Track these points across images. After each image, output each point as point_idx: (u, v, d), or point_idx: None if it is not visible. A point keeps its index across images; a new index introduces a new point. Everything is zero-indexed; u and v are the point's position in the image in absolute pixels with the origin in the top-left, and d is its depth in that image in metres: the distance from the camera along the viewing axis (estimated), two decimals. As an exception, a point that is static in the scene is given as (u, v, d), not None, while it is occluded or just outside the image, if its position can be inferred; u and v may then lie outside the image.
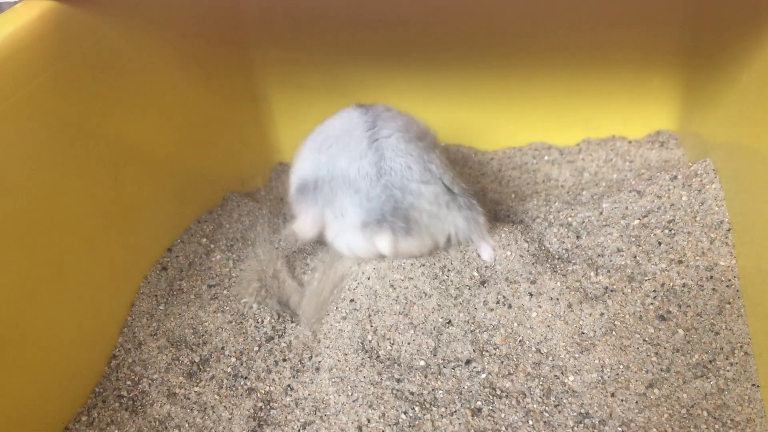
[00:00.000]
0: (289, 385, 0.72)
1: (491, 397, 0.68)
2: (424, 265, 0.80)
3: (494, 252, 0.82)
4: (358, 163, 0.78)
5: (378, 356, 0.73)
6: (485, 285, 0.79)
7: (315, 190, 0.80)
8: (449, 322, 0.76)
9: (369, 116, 0.83)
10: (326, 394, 0.70)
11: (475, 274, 0.80)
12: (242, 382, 0.72)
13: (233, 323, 0.79)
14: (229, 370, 0.74)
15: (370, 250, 0.78)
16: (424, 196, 0.77)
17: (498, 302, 0.77)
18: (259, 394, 0.71)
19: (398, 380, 0.70)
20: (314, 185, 0.80)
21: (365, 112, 0.84)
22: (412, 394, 0.69)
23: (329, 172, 0.79)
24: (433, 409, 0.67)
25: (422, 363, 0.72)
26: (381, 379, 0.70)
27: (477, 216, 0.81)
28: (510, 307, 0.77)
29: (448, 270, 0.80)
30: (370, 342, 0.74)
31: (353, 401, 0.68)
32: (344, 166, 0.78)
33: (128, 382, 0.73)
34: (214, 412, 0.70)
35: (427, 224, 0.78)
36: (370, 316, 0.76)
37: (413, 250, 0.79)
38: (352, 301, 0.78)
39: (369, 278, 0.79)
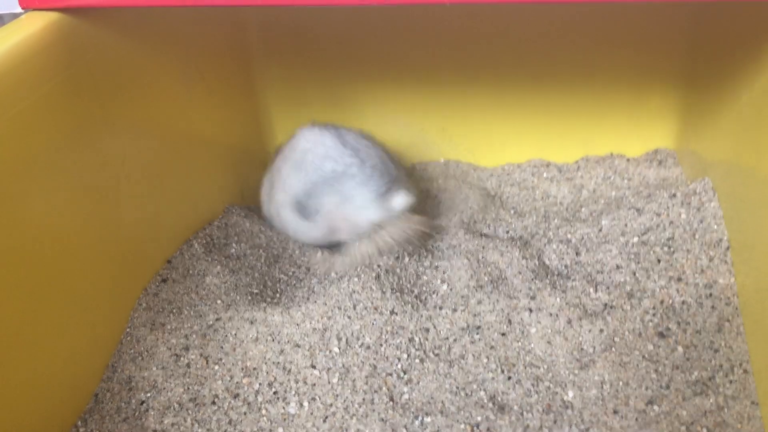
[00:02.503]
0: (286, 411, 0.71)
1: (491, 413, 0.67)
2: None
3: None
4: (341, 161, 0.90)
5: (374, 366, 0.73)
6: (485, 302, 0.79)
7: (310, 204, 0.91)
8: (447, 339, 0.76)
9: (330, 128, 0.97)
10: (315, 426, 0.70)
11: (475, 290, 0.80)
12: (243, 395, 0.72)
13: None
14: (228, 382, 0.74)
15: (384, 215, 0.89)
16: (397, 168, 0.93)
17: (497, 318, 0.77)
18: (262, 412, 0.71)
19: (395, 393, 0.70)
20: (306, 200, 0.91)
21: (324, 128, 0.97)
22: (410, 406, 0.69)
23: (320, 179, 0.90)
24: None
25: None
26: (380, 388, 0.70)
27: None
28: (510, 322, 0.77)
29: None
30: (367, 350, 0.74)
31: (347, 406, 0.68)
32: (330, 168, 0.90)
33: (126, 394, 0.73)
34: (213, 424, 0.69)
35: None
36: (362, 328, 0.76)
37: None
38: (339, 338, 0.78)
39: (355, 307, 0.80)
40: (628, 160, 1.08)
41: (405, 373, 0.72)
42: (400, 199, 0.89)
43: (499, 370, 0.72)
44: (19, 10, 0.73)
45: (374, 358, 0.74)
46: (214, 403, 0.71)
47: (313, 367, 0.73)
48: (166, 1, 0.72)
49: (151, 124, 0.87)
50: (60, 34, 0.71)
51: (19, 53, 0.66)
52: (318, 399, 0.70)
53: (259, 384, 0.73)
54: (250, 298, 0.85)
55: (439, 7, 1.04)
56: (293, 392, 0.72)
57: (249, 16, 1.10)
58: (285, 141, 1.17)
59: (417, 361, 0.74)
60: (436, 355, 0.74)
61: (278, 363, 0.74)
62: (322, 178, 0.90)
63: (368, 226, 0.89)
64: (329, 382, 0.72)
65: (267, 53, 1.13)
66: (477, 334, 0.76)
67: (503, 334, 0.76)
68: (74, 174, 0.72)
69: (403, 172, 0.96)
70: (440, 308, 0.79)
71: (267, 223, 1.01)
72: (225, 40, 1.06)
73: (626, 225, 0.87)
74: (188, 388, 0.73)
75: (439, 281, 0.82)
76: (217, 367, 0.75)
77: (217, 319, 0.80)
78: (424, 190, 1.10)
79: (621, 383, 0.69)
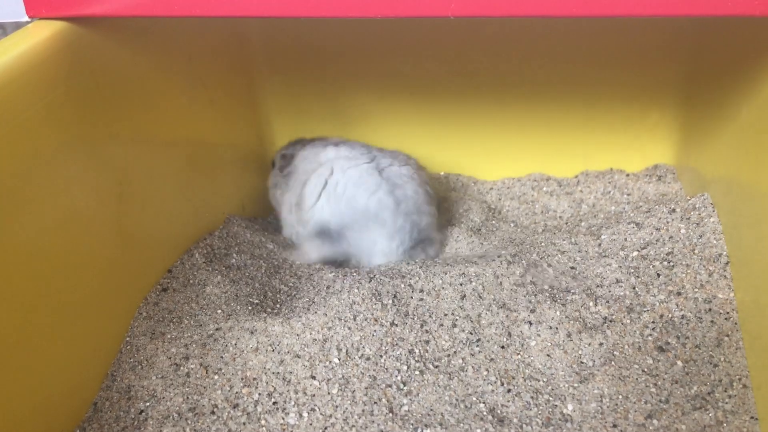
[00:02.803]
0: (285, 422, 0.71)
1: (490, 426, 0.67)
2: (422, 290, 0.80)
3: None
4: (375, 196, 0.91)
5: (374, 377, 0.73)
6: (484, 314, 0.79)
7: (338, 236, 0.92)
8: (446, 351, 0.76)
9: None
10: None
11: (475, 302, 0.80)
12: (242, 405, 0.72)
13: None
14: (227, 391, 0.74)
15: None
16: (429, 214, 0.94)
17: (497, 331, 0.77)
18: (261, 423, 0.71)
19: (395, 405, 0.70)
20: (337, 233, 0.92)
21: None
22: (410, 418, 0.68)
23: (350, 210, 0.92)
24: (432, 436, 0.67)
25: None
26: (380, 400, 0.70)
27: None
28: (509, 335, 0.77)
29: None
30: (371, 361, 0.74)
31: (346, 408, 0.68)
32: (362, 204, 0.91)
33: (125, 403, 0.73)
34: (211, 434, 0.69)
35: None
36: (363, 339, 0.76)
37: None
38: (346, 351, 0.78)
39: (357, 316, 0.80)
40: (627, 175, 1.08)
41: (405, 384, 0.72)
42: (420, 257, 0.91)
43: (499, 382, 0.72)
44: (26, 18, 0.74)
45: (374, 370, 0.74)
46: (213, 413, 0.71)
47: (313, 377, 0.73)
48: (170, 11, 0.72)
49: (154, 133, 0.87)
50: (66, 43, 0.72)
51: (25, 61, 0.66)
52: (317, 410, 0.70)
53: (259, 394, 0.73)
54: (250, 308, 0.85)
55: (440, 21, 1.05)
56: (293, 403, 0.71)
57: (252, 28, 1.11)
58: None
59: (417, 372, 0.74)
60: (436, 367, 0.74)
61: (278, 373, 0.74)
62: (352, 210, 0.91)
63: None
64: (329, 393, 0.72)
65: (269, 64, 1.14)
66: (477, 346, 0.76)
67: (503, 347, 0.76)
68: (76, 182, 0.73)
69: (434, 209, 0.96)
70: (440, 320, 0.79)
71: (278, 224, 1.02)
72: (228, 51, 1.07)
73: (626, 239, 0.87)
74: (188, 398, 0.73)
75: (439, 293, 0.82)
76: (216, 377, 0.75)
77: (217, 329, 0.80)
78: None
79: (620, 397, 0.69)
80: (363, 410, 0.70)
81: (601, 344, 0.74)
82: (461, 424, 0.68)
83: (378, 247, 0.91)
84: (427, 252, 0.93)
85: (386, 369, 0.74)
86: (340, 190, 0.92)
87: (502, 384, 0.72)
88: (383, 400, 0.71)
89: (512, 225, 1.03)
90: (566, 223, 1.02)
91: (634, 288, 0.80)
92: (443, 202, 1.09)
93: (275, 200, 1.07)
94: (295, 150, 1.04)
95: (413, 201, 0.92)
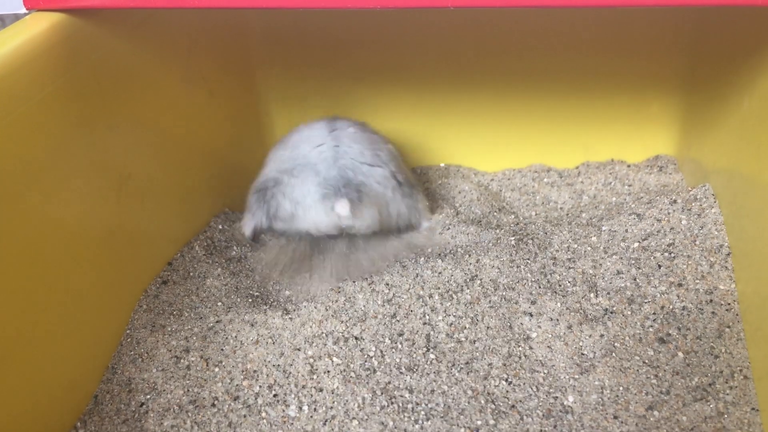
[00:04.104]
0: (286, 414, 0.71)
1: (490, 417, 0.67)
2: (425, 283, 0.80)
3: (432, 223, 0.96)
4: (317, 149, 0.91)
5: (374, 370, 0.73)
6: (485, 306, 0.79)
7: (273, 187, 0.91)
8: (447, 344, 0.76)
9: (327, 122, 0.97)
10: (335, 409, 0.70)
11: (475, 293, 0.80)
12: (243, 398, 0.72)
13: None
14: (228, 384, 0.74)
15: (331, 221, 0.89)
16: (373, 177, 0.91)
17: (497, 323, 0.77)
18: (262, 415, 0.71)
19: (396, 397, 0.70)
20: (274, 182, 0.91)
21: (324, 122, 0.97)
22: (410, 409, 0.69)
23: (292, 162, 0.91)
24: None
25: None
26: (380, 392, 0.70)
27: (416, 203, 0.96)
28: (510, 327, 0.77)
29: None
30: (370, 356, 0.74)
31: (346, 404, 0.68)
32: (305, 152, 0.91)
33: (126, 395, 0.73)
34: (213, 426, 0.69)
35: (376, 198, 0.90)
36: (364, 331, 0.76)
37: (366, 218, 0.90)
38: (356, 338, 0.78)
39: (367, 303, 0.80)
40: (628, 166, 1.08)
41: (405, 376, 0.72)
42: (341, 208, 0.88)
43: (500, 374, 0.72)
44: (23, 10, 0.73)
45: (374, 361, 0.74)
46: (213, 405, 0.71)
47: (314, 369, 0.73)
48: (169, 2, 0.72)
49: (153, 126, 0.87)
50: (64, 35, 0.71)
51: (23, 54, 0.66)
52: (318, 402, 0.70)
53: (259, 387, 0.73)
54: (250, 300, 0.85)
55: (440, 11, 1.05)
56: (293, 395, 0.71)
57: (251, 20, 1.10)
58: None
59: (417, 364, 0.74)
60: (437, 358, 0.74)
61: (278, 366, 0.74)
62: (293, 158, 0.92)
63: (315, 230, 0.90)
64: (329, 385, 0.72)
65: (269, 57, 1.13)
66: (477, 338, 0.76)
67: (504, 339, 0.76)
68: (76, 175, 0.73)
69: (382, 172, 0.93)
70: (441, 311, 0.79)
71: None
72: (227, 43, 1.06)
73: (627, 230, 0.87)
74: (188, 391, 0.73)
75: (439, 285, 0.82)
76: (217, 370, 0.75)
77: (217, 322, 0.80)
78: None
79: (621, 388, 0.69)
80: (364, 402, 0.70)
81: (601, 336, 0.74)
82: (462, 416, 0.68)
83: (309, 198, 0.89)
84: (354, 212, 0.89)
85: (386, 361, 0.74)
86: (290, 143, 0.94)
87: (503, 376, 0.72)
88: (384, 392, 0.71)
89: (512, 216, 1.03)
90: (567, 215, 1.01)
91: (635, 279, 0.80)
92: (441, 188, 1.08)
93: None
94: None
95: (351, 158, 0.91)
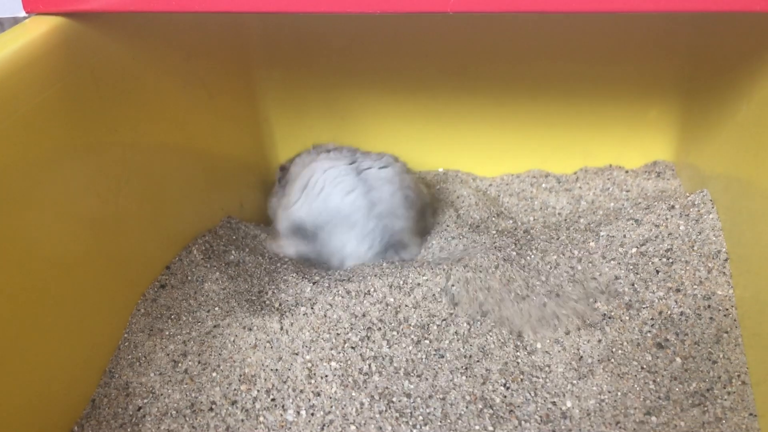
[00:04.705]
0: (283, 418, 0.71)
1: (488, 423, 0.67)
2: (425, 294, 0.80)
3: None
4: (348, 197, 0.91)
5: (372, 374, 0.73)
6: (482, 312, 0.79)
7: (312, 235, 0.93)
8: (445, 349, 0.76)
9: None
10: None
11: (473, 299, 0.80)
12: (240, 402, 0.72)
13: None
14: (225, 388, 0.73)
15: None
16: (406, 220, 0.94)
17: (495, 328, 0.77)
18: (260, 420, 0.70)
19: (394, 401, 0.70)
20: (312, 232, 0.93)
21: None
22: (408, 414, 0.68)
23: (325, 215, 0.92)
24: (431, 432, 0.67)
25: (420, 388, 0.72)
26: (378, 396, 0.70)
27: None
28: (509, 332, 0.77)
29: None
30: (368, 355, 0.74)
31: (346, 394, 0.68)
32: (336, 203, 0.91)
33: (124, 399, 0.73)
34: (210, 431, 0.69)
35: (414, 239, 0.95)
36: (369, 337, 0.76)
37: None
38: (369, 329, 0.78)
39: (369, 303, 0.80)
40: (626, 171, 1.08)
41: (404, 380, 0.72)
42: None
43: (498, 379, 0.72)
44: (23, 14, 0.73)
45: (373, 366, 0.74)
46: (211, 409, 0.71)
47: (312, 374, 0.73)
48: (168, 6, 0.72)
49: (152, 130, 0.87)
50: (63, 38, 0.71)
51: (23, 57, 0.66)
52: (316, 407, 0.70)
53: (257, 391, 0.73)
54: (248, 305, 0.84)
55: (440, 17, 1.05)
56: (291, 400, 0.71)
57: (251, 24, 1.10)
58: (284, 149, 1.19)
59: (416, 368, 0.74)
60: (436, 363, 0.74)
61: (276, 370, 0.74)
62: (325, 209, 0.91)
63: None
64: (327, 390, 0.71)
65: (268, 61, 1.14)
66: (476, 343, 0.76)
67: (502, 344, 0.76)
68: (74, 178, 0.72)
69: (413, 214, 0.95)
70: (439, 315, 0.79)
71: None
72: (227, 47, 1.07)
73: (625, 236, 0.87)
74: (186, 395, 0.73)
75: (437, 288, 0.82)
76: (215, 374, 0.75)
77: (215, 326, 0.80)
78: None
79: (619, 394, 0.69)
80: (362, 406, 0.70)
81: (600, 341, 0.74)
82: (460, 421, 0.68)
83: (348, 250, 0.91)
84: (401, 255, 0.93)
85: (384, 366, 0.74)
86: (317, 189, 0.92)
87: (501, 381, 0.72)
88: (382, 396, 0.71)
89: (511, 222, 1.03)
90: (565, 220, 1.02)
91: (633, 285, 0.80)
92: (440, 193, 1.09)
93: (272, 210, 1.06)
94: (292, 161, 1.04)
95: (388, 204, 0.91)
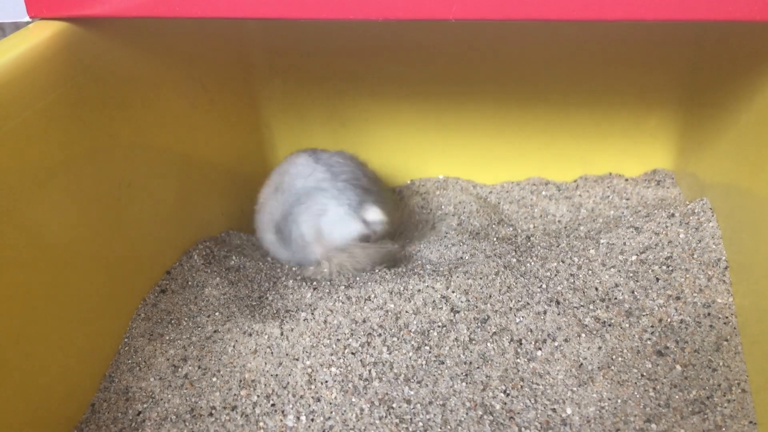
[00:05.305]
0: (283, 424, 0.71)
1: (489, 429, 0.67)
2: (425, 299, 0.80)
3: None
4: (312, 177, 0.93)
5: (372, 380, 0.72)
6: (484, 318, 0.79)
7: (286, 227, 0.93)
8: (446, 355, 0.76)
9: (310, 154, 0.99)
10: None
11: (473, 306, 0.80)
12: (240, 407, 0.72)
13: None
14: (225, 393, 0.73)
15: (361, 231, 0.91)
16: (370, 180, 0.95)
17: (495, 335, 0.77)
18: (259, 425, 0.70)
19: (394, 407, 0.70)
20: (284, 222, 0.93)
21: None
22: (409, 420, 0.68)
23: (294, 196, 0.92)
24: (431, 439, 0.67)
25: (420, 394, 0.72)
26: (379, 402, 0.70)
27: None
28: (509, 339, 0.77)
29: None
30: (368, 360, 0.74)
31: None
32: (302, 184, 0.93)
33: (123, 404, 0.73)
34: (209, 436, 0.69)
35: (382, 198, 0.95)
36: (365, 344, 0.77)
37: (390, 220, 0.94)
38: (369, 336, 0.78)
39: (366, 315, 0.80)
40: (626, 179, 1.08)
41: (404, 386, 0.72)
42: (374, 214, 0.90)
43: (498, 386, 0.72)
44: (27, 19, 0.74)
45: (373, 372, 0.74)
46: (211, 415, 0.71)
47: (312, 379, 0.73)
48: (171, 12, 0.72)
49: (153, 135, 0.87)
50: (67, 43, 0.72)
51: (26, 62, 0.66)
52: (316, 412, 0.70)
53: (257, 396, 0.73)
54: (248, 310, 0.85)
55: (440, 25, 1.05)
56: (291, 405, 0.71)
57: (252, 30, 1.11)
58: (285, 155, 1.19)
59: (416, 375, 0.74)
60: (436, 369, 0.74)
61: (276, 375, 0.74)
62: (295, 196, 0.92)
63: (343, 242, 0.91)
64: (327, 396, 0.71)
65: (269, 66, 1.14)
66: (476, 349, 0.76)
67: (502, 351, 0.76)
68: (76, 183, 0.73)
69: (379, 190, 0.97)
70: (439, 322, 0.79)
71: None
72: (228, 53, 1.07)
73: (625, 244, 0.87)
74: (186, 400, 0.73)
75: (438, 295, 0.82)
76: (214, 379, 0.75)
77: (215, 331, 0.80)
78: (420, 203, 1.11)
79: (619, 401, 0.69)
80: (362, 412, 0.70)
81: (599, 348, 0.74)
82: (460, 427, 0.68)
83: (327, 216, 0.91)
84: (373, 214, 0.92)
85: (385, 372, 0.74)
86: (285, 186, 0.95)
87: (501, 387, 0.72)
88: (382, 402, 0.71)
89: (511, 229, 1.03)
90: (565, 228, 1.02)
91: (633, 292, 0.80)
92: (438, 200, 1.09)
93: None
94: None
95: (350, 173, 0.93)
